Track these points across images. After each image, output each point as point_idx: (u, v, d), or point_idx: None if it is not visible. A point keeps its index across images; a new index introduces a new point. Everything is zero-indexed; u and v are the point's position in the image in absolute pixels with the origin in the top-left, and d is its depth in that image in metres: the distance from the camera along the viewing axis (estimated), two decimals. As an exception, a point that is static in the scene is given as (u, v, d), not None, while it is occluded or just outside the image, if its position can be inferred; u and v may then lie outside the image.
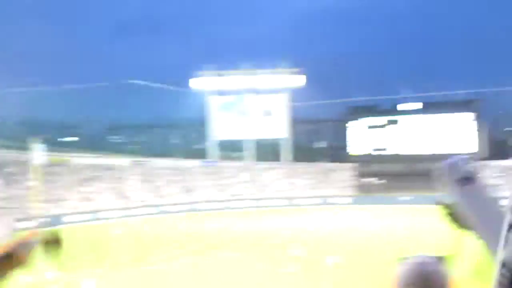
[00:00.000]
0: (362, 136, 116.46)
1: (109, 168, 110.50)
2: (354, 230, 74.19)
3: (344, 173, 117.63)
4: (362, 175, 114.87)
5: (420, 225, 76.92)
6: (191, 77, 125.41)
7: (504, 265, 2.05)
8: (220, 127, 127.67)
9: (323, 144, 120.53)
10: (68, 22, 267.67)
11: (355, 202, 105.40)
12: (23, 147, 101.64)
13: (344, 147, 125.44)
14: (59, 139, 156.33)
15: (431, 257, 2.72)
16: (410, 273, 2.62)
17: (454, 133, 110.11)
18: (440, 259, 2.70)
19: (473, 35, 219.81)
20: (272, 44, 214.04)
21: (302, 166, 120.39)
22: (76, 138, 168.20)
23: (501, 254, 2.10)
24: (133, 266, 55.59)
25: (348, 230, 74.48)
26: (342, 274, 43.72)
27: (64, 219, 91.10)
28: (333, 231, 74.27)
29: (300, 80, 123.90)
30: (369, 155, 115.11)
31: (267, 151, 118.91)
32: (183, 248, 64.30)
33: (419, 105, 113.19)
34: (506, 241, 2.06)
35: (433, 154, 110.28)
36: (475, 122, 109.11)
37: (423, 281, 2.58)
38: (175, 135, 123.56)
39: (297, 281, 41.87)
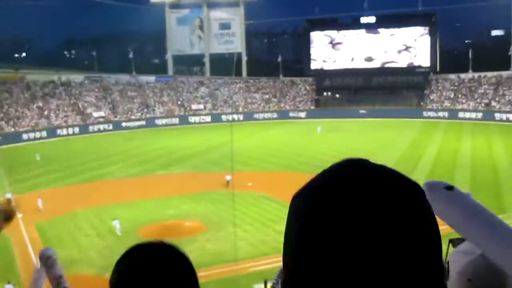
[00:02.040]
0: (319, 50, 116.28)
1: (64, 84, 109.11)
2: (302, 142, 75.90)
3: (301, 87, 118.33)
4: (319, 89, 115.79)
5: (375, 138, 78.96)
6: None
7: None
8: (177, 41, 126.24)
9: (279, 58, 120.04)
10: None
11: (311, 116, 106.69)
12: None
13: (301, 61, 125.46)
14: (13, 55, 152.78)
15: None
16: (474, 267, 2.02)
17: (409, 47, 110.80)
18: None
19: None
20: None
21: (259, 81, 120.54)
22: (28, 54, 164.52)
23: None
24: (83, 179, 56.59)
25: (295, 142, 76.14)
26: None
27: (21, 136, 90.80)
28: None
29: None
30: (326, 69, 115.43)
31: (224, 66, 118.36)
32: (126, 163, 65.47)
33: (374, 19, 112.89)
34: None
35: (388, 68, 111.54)
36: (430, 36, 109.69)
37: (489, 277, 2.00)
38: (132, 49, 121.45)
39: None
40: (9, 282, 28.84)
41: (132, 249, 2.01)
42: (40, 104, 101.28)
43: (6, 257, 35.92)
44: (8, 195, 47.71)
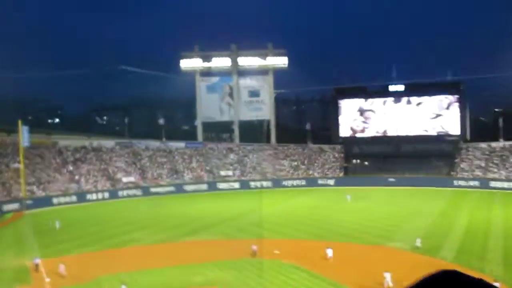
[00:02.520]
0: (348, 118, 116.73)
1: (95, 149, 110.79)
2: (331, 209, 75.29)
3: (329, 154, 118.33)
4: (348, 156, 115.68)
5: (404, 207, 78.12)
6: (179, 60, 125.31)
7: None
8: (207, 108, 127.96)
9: (308, 125, 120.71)
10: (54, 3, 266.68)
11: (339, 184, 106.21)
12: (9, 129, 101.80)
13: (329, 128, 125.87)
14: (46, 121, 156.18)
15: None
16: None
17: (439, 115, 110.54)
18: None
19: (459, 27, 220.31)
20: (257, 21, 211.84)
21: (288, 148, 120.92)
22: (61, 120, 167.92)
23: None
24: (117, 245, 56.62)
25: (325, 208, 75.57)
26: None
27: (51, 200, 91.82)
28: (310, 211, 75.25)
29: (284, 61, 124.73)
30: (355, 136, 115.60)
31: (253, 133, 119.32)
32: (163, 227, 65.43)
33: (403, 87, 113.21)
34: None
35: (417, 136, 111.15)
36: (459, 104, 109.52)
37: None
38: (163, 116, 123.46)
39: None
40: None
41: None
42: (71, 168, 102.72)
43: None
44: (37, 260, 48.00)
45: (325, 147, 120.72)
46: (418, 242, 51.61)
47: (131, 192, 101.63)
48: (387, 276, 39.88)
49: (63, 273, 44.94)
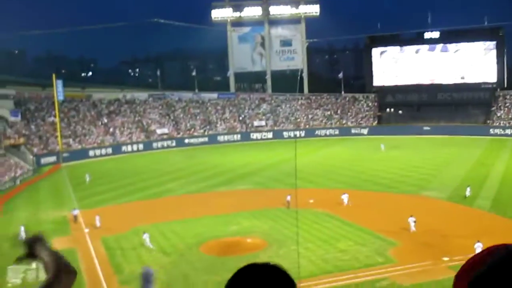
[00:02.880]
0: (382, 66, 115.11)
1: (129, 102, 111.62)
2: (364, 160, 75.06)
3: (363, 103, 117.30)
4: (382, 105, 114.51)
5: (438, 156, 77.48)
6: (210, 11, 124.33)
7: None
8: (239, 58, 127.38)
9: (341, 75, 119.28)
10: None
11: (373, 133, 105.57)
12: (43, 84, 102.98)
13: (363, 77, 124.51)
14: (80, 75, 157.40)
15: None
16: None
17: (475, 62, 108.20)
18: None
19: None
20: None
21: (321, 97, 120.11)
22: (94, 73, 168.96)
23: None
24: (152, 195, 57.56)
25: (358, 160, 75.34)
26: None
27: (87, 153, 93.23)
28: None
29: (315, 9, 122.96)
30: (389, 85, 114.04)
31: (285, 83, 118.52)
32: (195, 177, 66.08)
33: (438, 34, 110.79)
34: None
35: (453, 84, 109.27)
36: (497, 51, 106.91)
37: None
38: (195, 67, 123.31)
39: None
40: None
41: (244, 270, 2.11)
42: (106, 121, 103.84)
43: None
44: (75, 212, 49.02)
45: (359, 96, 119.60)
46: (468, 191, 50.82)
47: (165, 143, 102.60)
48: (411, 220, 40.75)
49: (98, 224, 45.82)
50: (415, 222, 42.40)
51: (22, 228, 43.71)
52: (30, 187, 70.86)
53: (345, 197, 49.54)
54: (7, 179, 73.65)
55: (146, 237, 40.54)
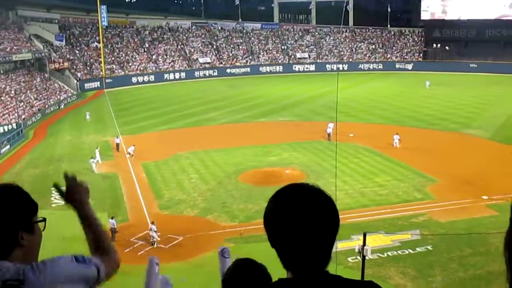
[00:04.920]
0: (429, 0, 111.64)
1: (172, 29, 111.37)
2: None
3: (409, 38, 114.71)
4: (428, 40, 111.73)
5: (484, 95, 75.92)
6: None
7: None
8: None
9: (388, 7, 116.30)
10: None
11: (418, 68, 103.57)
12: (88, 9, 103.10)
13: (410, 10, 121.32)
14: (124, 1, 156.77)
15: None
16: None
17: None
18: None
19: None
20: None
21: (366, 30, 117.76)
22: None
23: None
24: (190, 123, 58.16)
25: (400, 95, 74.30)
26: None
27: (130, 79, 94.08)
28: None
29: None
30: (437, 19, 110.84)
31: (330, 15, 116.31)
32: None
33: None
34: None
35: (503, 20, 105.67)
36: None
37: None
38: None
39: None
40: (112, 218, 30.21)
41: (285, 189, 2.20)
42: (149, 48, 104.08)
43: (114, 195, 37.67)
44: (117, 140, 49.75)
45: (405, 30, 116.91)
46: None
47: (207, 72, 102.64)
48: (396, 138, 45.66)
49: (132, 152, 46.19)
50: (399, 140, 45.79)
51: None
52: (74, 112, 72.15)
53: (396, 138, 47.08)
54: (52, 102, 75.08)
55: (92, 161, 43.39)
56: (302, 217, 2.04)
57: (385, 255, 26.90)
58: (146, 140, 51.37)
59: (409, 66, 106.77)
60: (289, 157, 44.94)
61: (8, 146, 52.34)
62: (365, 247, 22.65)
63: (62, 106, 75.46)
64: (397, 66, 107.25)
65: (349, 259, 26.01)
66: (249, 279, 2.49)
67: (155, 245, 28.67)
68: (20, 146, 53.86)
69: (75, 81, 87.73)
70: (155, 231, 28.97)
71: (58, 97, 78.74)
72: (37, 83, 79.59)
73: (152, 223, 29.42)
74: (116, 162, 45.14)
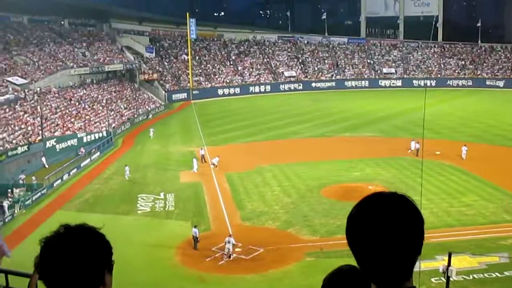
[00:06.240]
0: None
1: (258, 43, 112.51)
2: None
3: (501, 54, 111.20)
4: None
5: None
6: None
7: None
8: (371, 3, 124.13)
9: (479, 22, 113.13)
10: None
11: (510, 86, 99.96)
12: (178, 22, 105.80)
13: (503, 26, 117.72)
14: (212, 14, 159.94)
15: None
16: None
17: None
18: None
19: None
20: None
21: (455, 46, 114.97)
22: (226, 13, 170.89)
23: None
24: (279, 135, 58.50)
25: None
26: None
27: (217, 91, 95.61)
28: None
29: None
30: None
31: (418, 29, 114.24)
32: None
33: None
34: None
35: None
36: None
37: None
38: (326, 10, 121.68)
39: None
40: (195, 227, 30.76)
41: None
42: (235, 61, 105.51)
43: (198, 204, 38.35)
44: (202, 152, 50.56)
45: (497, 46, 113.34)
46: None
47: (292, 86, 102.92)
48: (463, 149, 46.57)
49: (216, 163, 46.77)
50: (466, 150, 46.55)
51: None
52: (162, 121, 74.03)
53: (464, 149, 47.70)
54: (141, 112, 77.36)
55: (127, 169, 44.83)
56: (384, 224, 1.99)
57: (471, 277, 26.10)
58: (230, 151, 52.07)
59: (500, 83, 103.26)
60: (372, 172, 44.44)
61: (98, 153, 54.37)
62: (450, 268, 21.99)
63: (150, 116, 77.61)
64: (487, 83, 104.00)
65: (432, 279, 25.41)
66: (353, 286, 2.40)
67: (231, 257, 28.90)
68: (110, 153, 55.76)
69: (163, 92, 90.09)
70: (233, 243, 29.20)
71: (147, 107, 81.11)
72: (127, 93, 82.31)
73: (230, 235, 29.67)
74: (201, 172, 45.95)
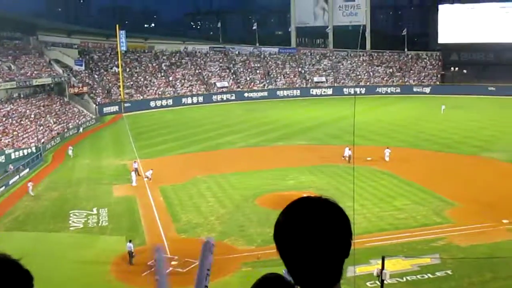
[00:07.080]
0: (447, 23, 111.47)
1: (190, 54, 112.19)
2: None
3: (426, 61, 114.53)
4: (446, 64, 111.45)
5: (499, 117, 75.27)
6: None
7: None
8: (301, 13, 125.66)
9: (405, 31, 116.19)
10: None
11: (436, 92, 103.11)
12: (107, 34, 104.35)
13: (427, 34, 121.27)
14: (143, 26, 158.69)
15: None
16: None
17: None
18: None
19: None
20: None
21: (383, 54, 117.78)
22: (156, 25, 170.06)
23: None
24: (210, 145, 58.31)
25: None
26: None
27: (149, 103, 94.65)
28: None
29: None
30: (454, 44, 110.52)
31: (347, 39, 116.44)
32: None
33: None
34: None
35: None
36: None
37: None
38: (256, 21, 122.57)
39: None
40: (130, 241, 30.30)
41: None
42: (167, 73, 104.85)
43: (132, 218, 37.76)
44: (136, 165, 49.80)
45: (422, 53, 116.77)
46: None
47: (224, 96, 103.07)
48: (387, 152, 49.05)
49: (149, 176, 46.18)
50: (389, 153, 49.17)
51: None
52: (93, 135, 72.71)
53: (387, 152, 50.20)
54: (71, 126, 75.72)
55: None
56: (311, 228, 1.99)
57: (404, 279, 26.63)
58: (164, 163, 51.56)
59: (427, 90, 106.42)
60: (306, 180, 44.86)
61: (27, 169, 52.80)
62: (383, 271, 22.40)
63: (81, 130, 76.03)
64: (414, 89, 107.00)
65: (367, 283, 25.77)
66: None
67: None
68: (39, 170, 54.30)
69: (94, 105, 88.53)
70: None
71: (77, 121, 79.44)
72: (56, 108, 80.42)
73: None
74: (135, 185, 45.29)
